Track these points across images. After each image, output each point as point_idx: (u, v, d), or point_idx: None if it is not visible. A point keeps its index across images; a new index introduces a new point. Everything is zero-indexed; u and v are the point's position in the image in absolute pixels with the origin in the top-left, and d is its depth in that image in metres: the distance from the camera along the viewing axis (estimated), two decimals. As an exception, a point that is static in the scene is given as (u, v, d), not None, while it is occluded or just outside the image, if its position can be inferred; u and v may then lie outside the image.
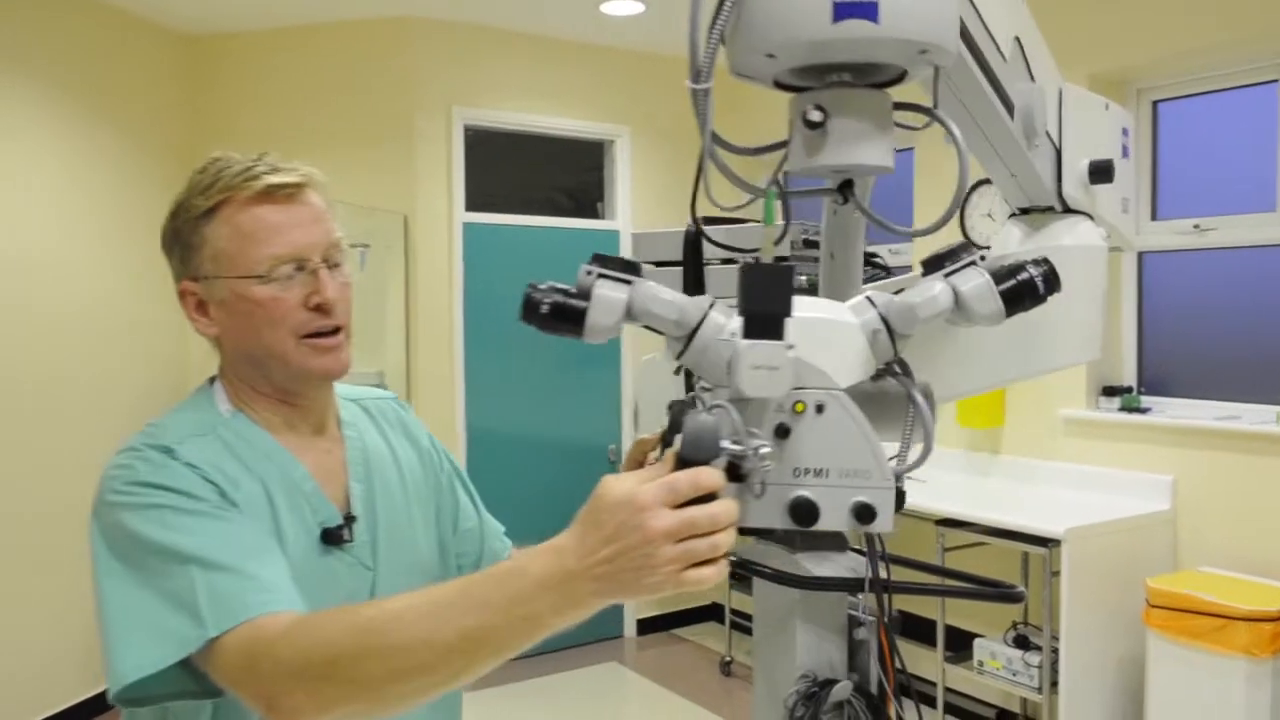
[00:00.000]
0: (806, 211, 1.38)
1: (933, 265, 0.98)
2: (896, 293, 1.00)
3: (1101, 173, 1.29)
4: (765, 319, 0.85)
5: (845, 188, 1.04)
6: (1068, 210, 1.30)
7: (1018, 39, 1.15)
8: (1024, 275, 0.96)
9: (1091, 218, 1.31)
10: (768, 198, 1.00)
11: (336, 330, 1.23)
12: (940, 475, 4.40)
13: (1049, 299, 0.99)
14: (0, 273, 4.05)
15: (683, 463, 0.83)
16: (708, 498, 0.83)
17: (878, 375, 1.00)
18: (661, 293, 0.95)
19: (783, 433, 0.90)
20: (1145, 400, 4.07)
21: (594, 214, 5.70)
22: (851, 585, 1.09)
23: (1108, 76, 4.01)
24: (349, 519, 1.25)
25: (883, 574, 1.03)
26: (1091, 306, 1.26)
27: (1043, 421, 4.24)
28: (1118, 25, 3.94)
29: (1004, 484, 4.35)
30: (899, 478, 0.94)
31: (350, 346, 1.26)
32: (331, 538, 1.22)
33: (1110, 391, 4.11)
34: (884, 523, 0.91)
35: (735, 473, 0.86)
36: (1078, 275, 1.21)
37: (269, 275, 1.18)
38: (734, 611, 5.27)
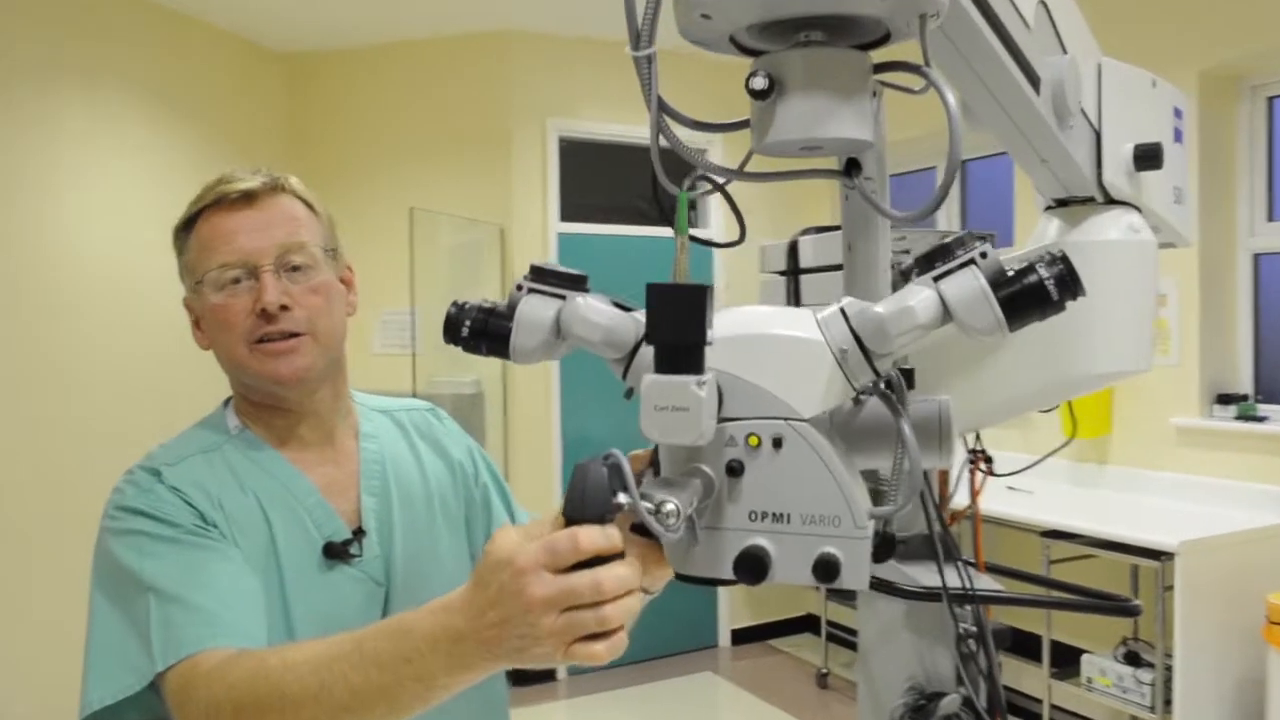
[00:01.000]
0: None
1: (923, 265, 0.79)
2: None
3: (1148, 158, 1.14)
4: (676, 350, 0.72)
5: (851, 167, 0.90)
6: (1110, 201, 1.16)
7: (1044, 4, 1.02)
8: (1030, 279, 0.75)
9: (1139, 209, 1.18)
10: (680, 201, 0.84)
11: (291, 336, 1.18)
12: (1045, 486, 4.29)
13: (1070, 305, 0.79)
14: (108, 281, 4.23)
15: (570, 522, 0.74)
16: (606, 558, 0.73)
17: (859, 397, 0.85)
18: (589, 311, 0.83)
19: (735, 470, 0.77)
20: (1262, 408, 3.89)
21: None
22: (954, 596, 1.06)
23: (1219, 73, 3.86)
24: (358, 533, 1.22)
25: (994, 586, 1.00)
26: (1140, 310, 1.14)
27: (1153, 431, 4.09)
28: (1228, 19, 3.79)
29: (1112, 495, 4.21)
30: (884, 524, 0.80)
31: (320, 353, 1.20)
32: (334, 552, 1.19)
33: (1225, 399, 3.95)
34: (852, 579, 0.76)
35: (645, 528, 0.73)
36: (1123, 274, 1.12)
37: (213, 281, 1.17)
38: (830, 623, 5.20)
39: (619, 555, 0.75)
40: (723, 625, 5.73)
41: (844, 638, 5.23)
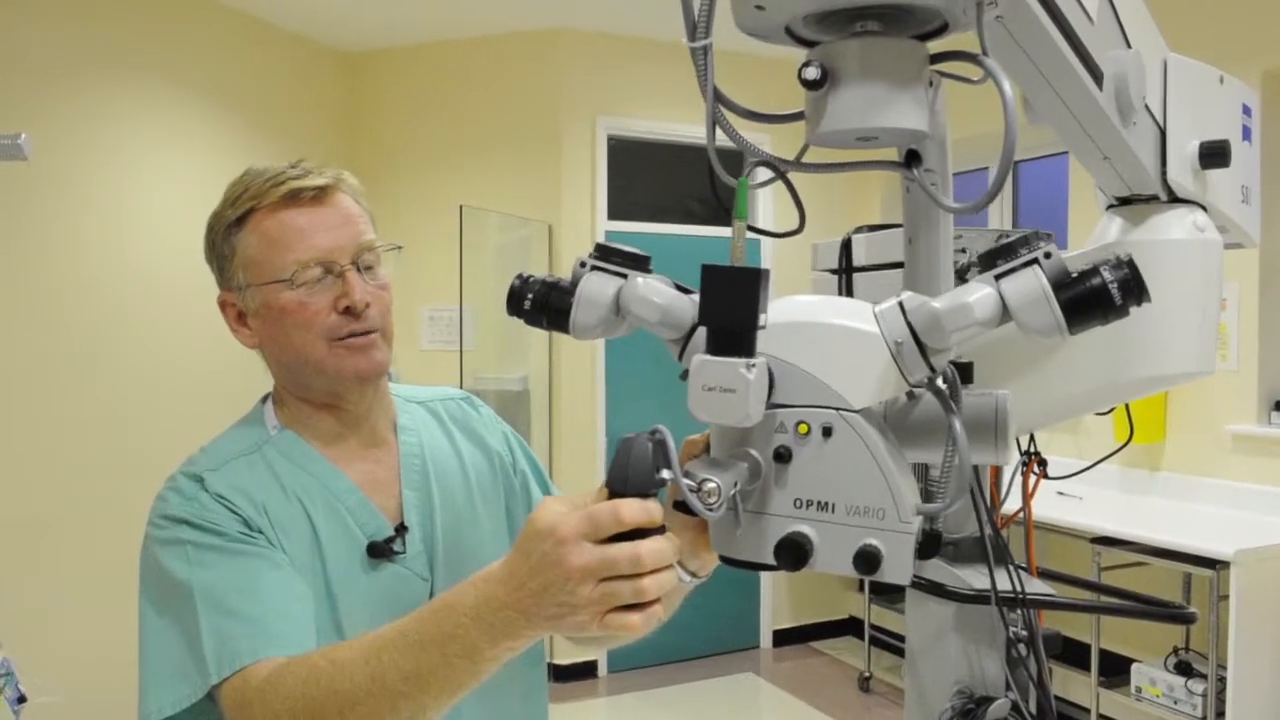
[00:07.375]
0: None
1: (985, 262, 0.78)
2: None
3: (1215, 155, 1.11)
4: (728, 333, 0.73)
5: (912, 159, 0.89)
6: (1175, 200, 1.14)
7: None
8: (1094, 281, 0.73)
9: (1204, 208, 1.14)
10: (740, 186, 0.84)
11: (369, 333, 1.18)
12: (1095, 492, 4.23)
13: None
14: (172, 278, 4.29)
15: (613, 494, 0.75)
16: (646, 532, 0.75)
17: (914, 392, 0.84)
18: (649, 290, 0.84)
19: (783, 457, 0.77)
20: (1323, 416, 3.81)
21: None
22: (1004, 600, 1.05)
23: (1283, 72, 3.78)
24: (400, 529, 1.21)
25: (1046, 590, 0.99)
26: (1205, 311, 1.11)
27: (1208, 437, 4.02)
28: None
29: (1165, 502, 4.14)
30: (931, 521, 0.80)
31: (388, 349, 1.22)
32: (378, 551, 1.18)
33: (1283, 406, 3.87)
34: (893, 572, 0.75)
35: (689, 506, 0.74)
36: (1187, 273, 1.09)
37: (294, 279, 1.15)
38: (873, 626, 5.16)
39: (659, 530, 0.76)
40: (764, 626, 5.71)
41: (887, 641, 5.19)
